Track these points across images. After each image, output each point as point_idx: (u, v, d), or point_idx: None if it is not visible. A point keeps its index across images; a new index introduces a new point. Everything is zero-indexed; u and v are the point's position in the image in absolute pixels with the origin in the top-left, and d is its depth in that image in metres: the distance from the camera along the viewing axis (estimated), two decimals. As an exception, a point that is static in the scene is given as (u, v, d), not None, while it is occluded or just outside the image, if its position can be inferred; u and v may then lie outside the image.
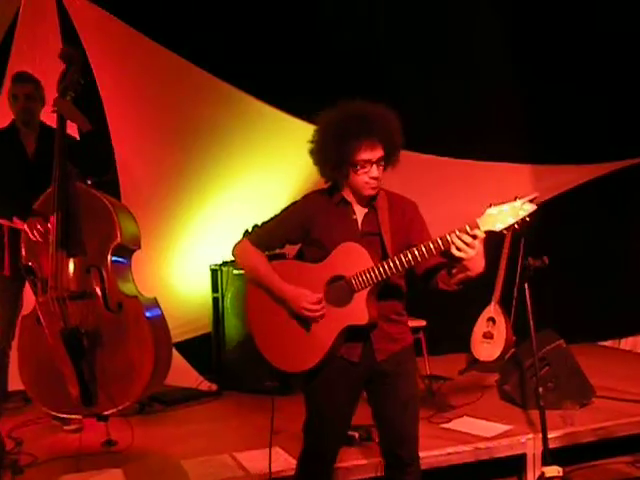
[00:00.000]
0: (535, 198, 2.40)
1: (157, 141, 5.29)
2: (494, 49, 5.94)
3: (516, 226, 2.40)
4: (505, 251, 5.15)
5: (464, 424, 4.12)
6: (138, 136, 5.27)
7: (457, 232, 2.44)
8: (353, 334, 2.67)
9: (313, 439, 2.83)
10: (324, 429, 2.80)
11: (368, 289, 2.59)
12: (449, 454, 3.73)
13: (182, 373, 4.99)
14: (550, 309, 6.05)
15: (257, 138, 5.51)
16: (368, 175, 2.59)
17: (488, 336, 5.08)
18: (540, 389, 3.60)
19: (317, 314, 2.66)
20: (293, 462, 3.15)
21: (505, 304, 5.37)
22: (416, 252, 2.52)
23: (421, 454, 3.58)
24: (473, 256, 2.43)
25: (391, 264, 2.55)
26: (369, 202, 2.71)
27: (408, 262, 2.53)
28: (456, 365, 5.41)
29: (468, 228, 2.42)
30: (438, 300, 5.57)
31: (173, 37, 5.13)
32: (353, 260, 2.61)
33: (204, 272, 5.24)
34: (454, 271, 2.57)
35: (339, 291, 2.65)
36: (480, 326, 5.15)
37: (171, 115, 5.30)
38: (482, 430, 3.98)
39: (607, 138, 6.16)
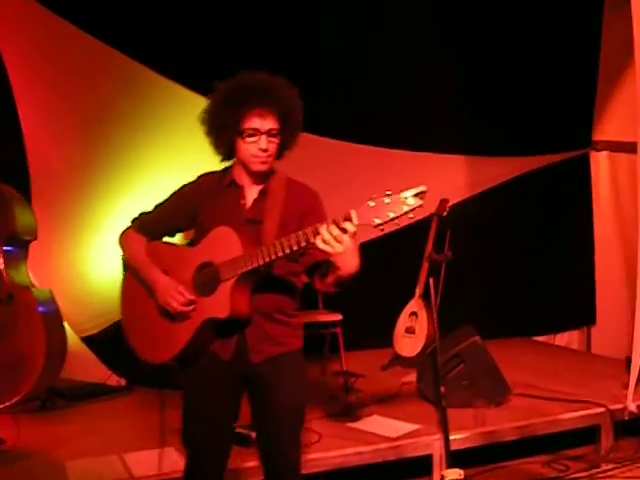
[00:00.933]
0: (423, 192, 2.10)
1: (72, 129, 5.04)
2: (430, 39, 5.78)
3: (397, 222, 2.10)
4: (429, 243, 5.00)
5: (372, 423, 3.96)
6: (51, 124, 5.00)
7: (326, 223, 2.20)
8: (227, 329, 2.43)
9: (190, 445, 2.60)
10: (198, 433, 2.56)
11: (235, 280, 2.35)
12: (347, 455, 3.57)
13: (91, 367, 4.80)
14: (484, 303, 5.98)
15: (181, 127, 5.27)
16: (256, 146, 2.40)
17: (410, 331, 4.94)
18: (442, 389, 3.44)
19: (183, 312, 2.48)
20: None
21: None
22: (284, 243, 2.28)
23: (320, 454, 3.52)
24: (341, 253, 2.17)
25: (259, 254, 2.31)
26: (262, 186, 2.50)
27: (275, 253, 2.29)
28: (381, 360, 5.27)
29: (339, 220, 2.17)
30: (360, 293, 5.53)
31: (90, 19, 4.82)
32: (223, 246, 2.39)
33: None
34: (328, 270, 2.34)
35: (207, 279, 2.44)
36: (403, 321, 5.00)
37: (88, 102, 5.03)
38: (389, 430, 3.83)
39: (543, 131, 6.06)
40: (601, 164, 6.33)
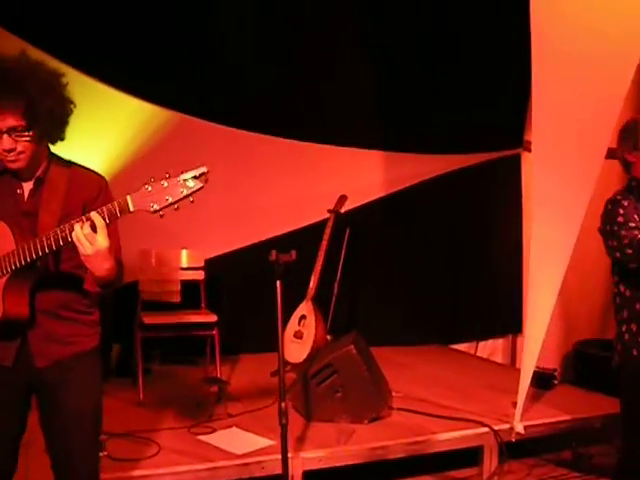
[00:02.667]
0: (204, 174, 1.98)
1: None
2: (354, 32, 5.50)
3: (176, 207, 1.98)
4: (324, 243, 4.66)
5: (225, 437, 3.62)
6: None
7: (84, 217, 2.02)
8: (5, 332, 2.18)
9: None
10: None
11: (6, 278, 2.12)
12: (180, 473, 3.22)
13: None
14: (404, 307, 5.67)
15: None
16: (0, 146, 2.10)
17: (298, 336, 4.60)
18: (283, 405, 3.09)
19: None
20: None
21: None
22: (52, 236, 2.05)
23: (149, 471, 3.19)
24: (90, 255, 2.01)
25: (30, 249, 2.07)
26: (37, 175, 2.23)
27: (47, 247, 2.05)
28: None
29: (108, 210, 2.01)
30: (257, 293, 5.20)
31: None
32: None
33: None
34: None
35: None
36: (292, 324, 4.66)
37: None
38: (239, 445, 3.48)
39: (475, 129, 5.73)
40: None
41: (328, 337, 4.63)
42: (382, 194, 5.66)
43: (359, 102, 5.53)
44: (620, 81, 3.64)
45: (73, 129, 4.93)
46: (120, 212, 2.00)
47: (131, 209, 1.99)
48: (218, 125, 5.12)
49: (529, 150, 5.93)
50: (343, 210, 4.78)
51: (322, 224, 5.14)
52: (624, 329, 2.91)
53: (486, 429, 3.87)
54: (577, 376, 5.43)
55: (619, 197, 2.88)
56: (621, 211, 2.81)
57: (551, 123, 3.73)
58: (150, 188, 1.97)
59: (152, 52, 4.84)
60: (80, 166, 2.32)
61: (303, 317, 4.62)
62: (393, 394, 4.43)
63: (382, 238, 5.68)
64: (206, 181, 1.97)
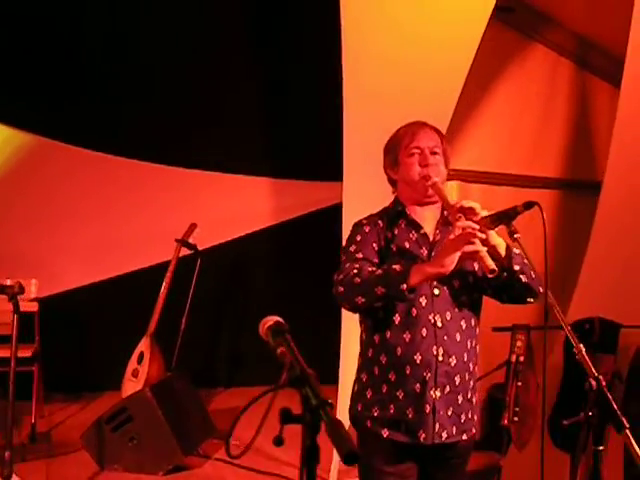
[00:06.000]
0: None
1: None
2: (237, 59, 5.27)
3: None
4: (168, 275, 4.35)
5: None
6: None
7: None
8: None
9: None
10: None
11: None
12: None
13: None
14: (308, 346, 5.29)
15: None
16: None
17: (134, 374, 4.28)
18: (7, 454, 2.80)
19: None
20: None
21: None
22: None
23: None
24: None
25: None
26: None
27: None
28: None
29: None
30: (102, 327, 4.91)
31: None
32: None
33: None
34: None
35: None
36: (132, 362, 4.36)
37: None
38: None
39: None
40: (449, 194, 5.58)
41: (162, 375, 4.30)
42: (270, 223, 5.33)
43: (245, 128, 5.23)
44: (448, 93, 3.32)
45: None
46: None
47: None
48: (83, 149, 4.87)
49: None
50: (192, 240, 4.46)
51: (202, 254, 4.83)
52: (355, 377, 2.47)
53: (294, 486, 3.49)
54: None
55: (364, 221, 2.41)
56: (358, 238, 2.31)
57: (364, 143, 3.37)
58: None
59: (9, 73, 4.65)
60: None
61: (142, 354, 4.31)
62: (232, 443, 4.08)
63: (270, 268, 5.35)
64: None
